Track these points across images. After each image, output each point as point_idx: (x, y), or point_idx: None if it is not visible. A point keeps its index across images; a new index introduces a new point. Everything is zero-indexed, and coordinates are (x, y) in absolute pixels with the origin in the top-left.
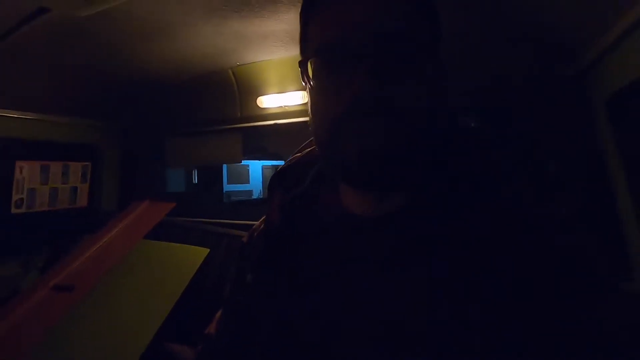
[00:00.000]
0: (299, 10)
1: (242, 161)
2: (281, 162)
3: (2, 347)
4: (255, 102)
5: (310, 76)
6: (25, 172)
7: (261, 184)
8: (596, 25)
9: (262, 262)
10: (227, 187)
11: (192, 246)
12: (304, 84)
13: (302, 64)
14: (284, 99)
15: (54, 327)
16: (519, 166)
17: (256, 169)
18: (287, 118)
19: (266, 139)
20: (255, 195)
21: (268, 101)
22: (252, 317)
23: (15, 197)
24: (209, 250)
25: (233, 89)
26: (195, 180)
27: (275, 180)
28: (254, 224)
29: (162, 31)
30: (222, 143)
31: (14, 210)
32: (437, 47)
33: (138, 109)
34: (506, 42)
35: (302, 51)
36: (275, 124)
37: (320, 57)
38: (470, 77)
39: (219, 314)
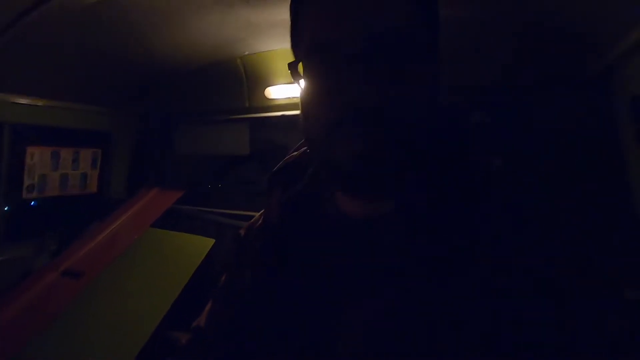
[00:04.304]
0: None
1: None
2: None
3: (13, 329)
4: (263, 92)
5: (302, 75)
6: (37, 158)
7: None
8: (625, 20)
9: (259, 260)
10: None
11: (198, 236)
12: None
13: (292, 66)
14: (292, 90)
15: (62, 311)
16: (527, 165)
17: None
18: (296, 110)
19: (274, 130)
20: None
21: (276, 92)
22: (248, 316)
23: (26, 182)
24: (214, 240)
25: (241, 79)
26: None
27: (274, 177)
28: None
29: (170, 18)
30: (229, 133)
31: (25, 196)
32: (435, 47)
33: (148, 97)
34: (529, 36)
35: (293, 46)
36: (283, 116)
37: (311, 59)
38: (492, 71)
39: (209, 306)
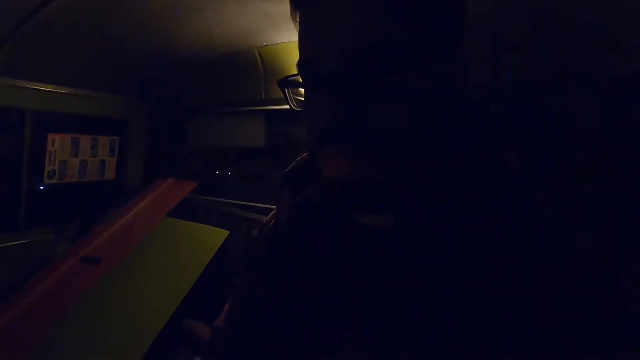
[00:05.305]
0: None
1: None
2: None
3: (35, 313)
4: None
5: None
6: (57, 144)
7: None
8: None
9: (268, 265)
10: None
11: (213, 227)
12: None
13: (280, 84)
14: None
15: (81, 297)
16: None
17: None
18: None
19: (290, 123)
20: None
21: None
22: (255, 323)
23: (47, 168)
24: (228, 232)
25: (258, 70)
26: None
27: (286, 179)
28: (272, 209)
29: (187, 9)
30: (245, 125)
31: (46, 181)
32: (435, 51)
33: (166, 87)
34: (558, 34)
35: None
36: None
37: (300, 76)
38: (516, 69)
39: (227, 305)
